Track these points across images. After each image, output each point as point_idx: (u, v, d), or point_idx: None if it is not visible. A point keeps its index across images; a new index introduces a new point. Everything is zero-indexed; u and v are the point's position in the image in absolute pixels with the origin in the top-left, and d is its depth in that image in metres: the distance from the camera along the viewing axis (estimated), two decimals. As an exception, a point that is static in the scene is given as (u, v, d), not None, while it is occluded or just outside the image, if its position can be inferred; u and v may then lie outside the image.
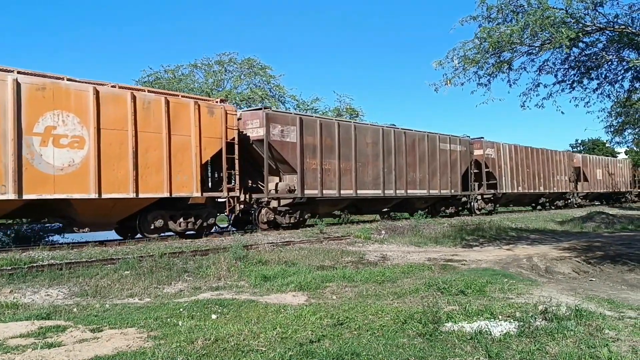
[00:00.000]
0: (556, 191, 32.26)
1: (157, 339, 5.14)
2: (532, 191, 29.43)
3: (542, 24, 9.60)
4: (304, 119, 16.74)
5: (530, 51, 11.09)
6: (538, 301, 6.37)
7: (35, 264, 9.08)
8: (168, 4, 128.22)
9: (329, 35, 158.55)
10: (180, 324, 5.70)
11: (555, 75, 12.05)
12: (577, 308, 5.69)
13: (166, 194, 12.72)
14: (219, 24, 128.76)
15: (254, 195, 15.81)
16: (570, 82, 12.07)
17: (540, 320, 5.35)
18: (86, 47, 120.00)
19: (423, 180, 21.14)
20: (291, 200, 16.17)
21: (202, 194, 13.60)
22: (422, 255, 12.28)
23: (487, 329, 5.05)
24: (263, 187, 15.76)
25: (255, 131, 15.61)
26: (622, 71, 12.06)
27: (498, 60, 10.98)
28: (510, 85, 11.59)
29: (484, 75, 11.13)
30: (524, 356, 4.36)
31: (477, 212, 25.32)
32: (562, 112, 11.70)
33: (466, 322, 5.39)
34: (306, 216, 17.08)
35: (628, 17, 10.68)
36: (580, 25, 10.27)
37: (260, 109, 15.91)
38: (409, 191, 20.35)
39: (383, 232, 16.25)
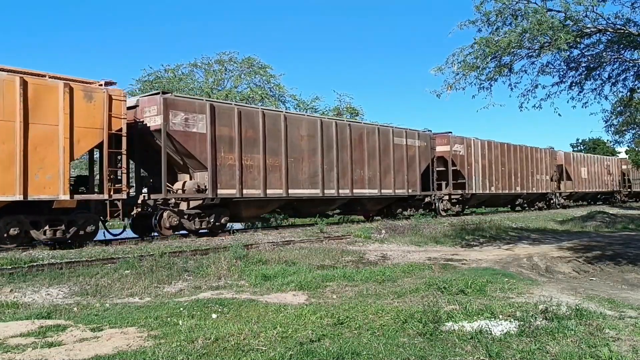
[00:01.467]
0: (535, 191, 29.92)
1: (157, 338, 5.13)
2: (507, 191, 27.13)
3: (541, 29, 9.61)
4: (216, 106, 14.50)
5: (530, 54, 11.09)
6: (538, 300, 6.37)
7: (35, 264, 9.08)
8: (168, 4, 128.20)
9: (329, 34, 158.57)
10: (181, 323, 5.70)
11: (555, 76, 12.06)
12: (577, 307, 5.69)
13: (19, 197, 10.44)
14: (219, 23, 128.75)
15: (152, 196, 13.37)
16: (569, 84, 12.08)
17: (541, 319, 5.35)
18: (87, 47, 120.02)
19: (373, 178, 18.88)
20: (201, 201, 14.01)
21: (71, 197, 11.29)
22: (422, 255, 12.27)
23: (488, 329, 5.05)
24: (168, 186, 13.74)
25: (153, 120, 13.35)
26: (623, 71, 12.05)
27: (498, 64, 10.99)
28: (511, 89, 11.63)
29: (485, 80, 11.14)
30: (525, 355, 4.35)
31: (443, 214, 22.99)
32: (559, 115, 11.70)
33: (466, 321, 5.39)
34: (223, 220, 14.79)
35: (629, 15, 10.67)
36: (580, 26, 10.26)
37: (157, 93, 13.70)
38: (355, 191, 18.11)
39: (383, 231, 16.25)
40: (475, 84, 11.17)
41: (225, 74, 31.11)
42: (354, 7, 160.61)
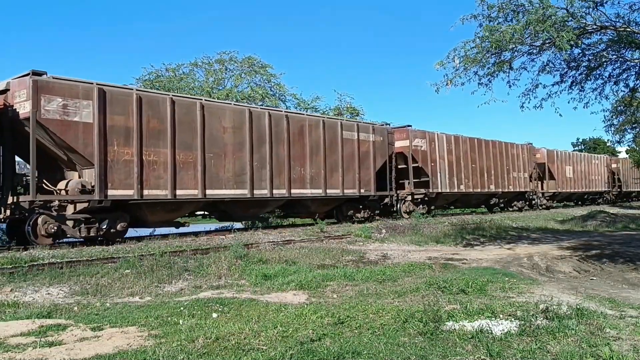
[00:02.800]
0: (512, 190, 27.57)
1: (157, 338, 5.13)
2: (479, 190, 24.86)
3: (544, 25, 9.59)
4: (108, 90, 11.95)
5: (530, 51, 11.08)
6: (539, 300, 6.37)
7: (35, 263, 9.08)
8: (169, 3, 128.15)
9: (329, 34, 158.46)
10: (181, 323, 5.70)
11: (556, 75, 12.06)
12: (578, 307, 5.69)
13: None
14: (220, 23, 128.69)
15: (22, 198, 11.30)
16: (569, 83, 12.08)
17: (542, 319, 5.34)
18: (87, 46, 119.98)
19: (317, 177, 16.73)
20: (87, 204, 11.64)
21: None
22: (422, 254, 12.27)
23: (488, 328, 5.04)
24: (47, 185, 11.76)
25: (22, 106, 11.14)
26: (624, 70, 12.05)
27: (499, 60, 10.98)
28: (510, 87, 11.62)
29: (485, 75, 11.13)
30: (525, 355, 4.35)
31: (406, 216, 20.75)
32: (560, 115, 11.71)
33: (467, 321, 5.38)
34: (119, 226, 12.25)
35: (628, 16, 10.67)
36: (582, 24, 10.26)
37: (28, 74, 11.15)
38: (294, 191, 15.97)
39: (384, 231, 16.25)
40: (474, 80, 11.17)
41: (226, 73, 31.15)
42: (354, 7, 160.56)
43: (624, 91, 12.65)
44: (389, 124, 21.44)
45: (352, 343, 4.74)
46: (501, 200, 27.66)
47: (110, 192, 11.87)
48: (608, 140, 54.79)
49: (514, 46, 10.46)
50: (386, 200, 19.87)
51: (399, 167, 21.25)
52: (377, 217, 19.50)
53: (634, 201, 43.40)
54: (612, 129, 28.17)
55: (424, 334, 5.03)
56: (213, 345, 4.76)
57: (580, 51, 11.61)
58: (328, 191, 17.17)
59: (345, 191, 17.80)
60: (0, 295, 7.39)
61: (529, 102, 12.01)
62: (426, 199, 21.95)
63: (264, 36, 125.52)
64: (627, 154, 46.30)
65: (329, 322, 5.53)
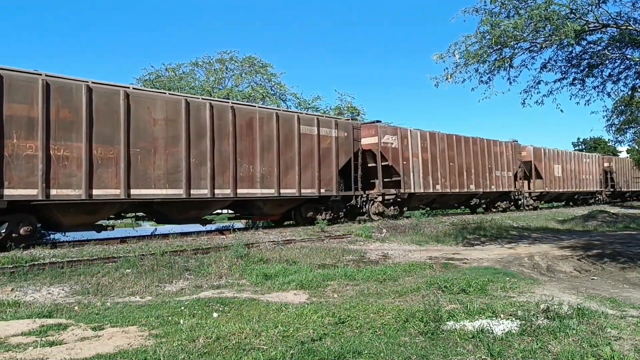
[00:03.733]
0: (495, 190, 25.88)
1: (158, 337, 5.13)
2: (458, 190, 23.30)
3: (548, 17, 9.57)
4: (5, 75, 10.52)
5: (531, 48, 11.08)
6: (540, 300, 6.36)
7: (36, 262, 9.09)
8: (170, 4, 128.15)
9: (329, 33, 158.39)
10: (182, 323, 5.70)
11: (558, 72, 12.06)
12: (579, 307, 5.68)
13: None
14: (220, 23, 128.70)
15: None
16: (571, 80, 12.08)
17: (542, 318, 5.34)
18: (88, 45, 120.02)
19: (269, 175, 15.31)
20: None
21: None
22: (423, 254, 12.27)
23: (489, 328, 5.04)
24: None
25: None
26: (625, 69, 12.05)
27: (499, 57, 10.97)
28: (510, 83, 11.62)
29: (485, 72, 11.13)
30: (526, 355, 4.35)
31: (375, 218, 19.20)
32: (561, 110, 11.71)
33: (468, 320, 5.38)
34: (22, 230, 10.86)
35: (630, 13, 10.68)
36: (584, 21, 10.26)
37: None
38: (241, 191, 14.56)
39: (384, 230, 16.24)
40: (475, 77, 11.17)
41: (226, 72, 31.16)
42: (354, 7, 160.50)
43: (623, 90, 12.66)
44: (356, 119, 19.75)
45: (352, 343, 4.74)
46: (483, 201, 26.07)
47: (7, 191, 10.46)
48: (609, 139, 54.76)
49: (514, 42, 10.45)
50: (353, 201, 18.40)
51: (369, 165, 19.90)
52: (341, 220, 18.15)
53: (629, 201, 41.78)
54: (613, 128, 28.19)
55: (424, 334, 5.03)
56: (214, 345, 4.76)
57: (581, 49, 11.62)
58: (282, 191, 15.65)
59: (303, 191, 16.26)
60: (1, 294, 7.40)
61: (530, 99, 12.03)
62: (398, 199, 20.24)
63: (265, 36, 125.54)
64: (627, 153, 46.21)
65: (330, 321, 5.53)
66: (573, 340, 4.66)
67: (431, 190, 21.82)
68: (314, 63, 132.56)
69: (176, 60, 54.47)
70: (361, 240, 14.56)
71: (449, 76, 10.84)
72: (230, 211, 17.42)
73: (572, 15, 9.95)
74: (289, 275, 8.76)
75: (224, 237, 13.91)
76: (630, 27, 10.62)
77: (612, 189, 39.05)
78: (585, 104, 12.52)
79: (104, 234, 13.01)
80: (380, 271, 9.23)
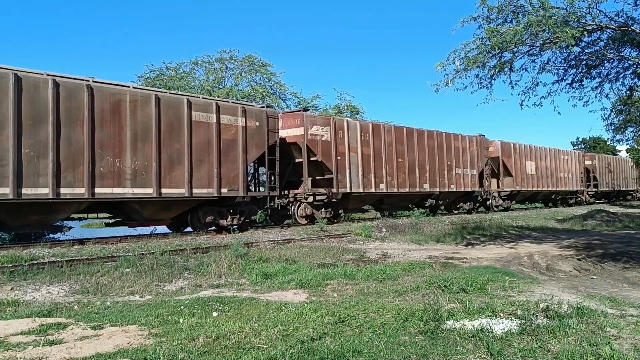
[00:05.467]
0: (455, 190, 23.46)
1: (158, 337, 5.13)
2: (408, 190, 20.66)
3: (546, 24, 9.60)
4: None
5: (531, 52, 11.10)
6: (539, 299, 6.36)
7: (36, 262, 9.09)
8: (170, 4, 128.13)
9: (329, 33, 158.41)
10: (182, 322, 5.70)
11: (556, 74, 12.07)
12: (578, 306, 5.68)
13: None
14: (220, 23, 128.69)
15: None
16: (569, 82, 12.10)
17: (542, 318, 5.34)
18: (89, 45, 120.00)
19: (145, 171, 12.55)
20: None
21: None
22: (423, 253, 12.27)
23: (489, 327, 5.04)
24: None
25: None
26: (623, 69, 12.06)
27: (499, 62, 11.00)
28: (512, 87, 11.67)
29: (485, 77, 11.16)
30: (526, 354, 4.34)
31: (303, 222, 17.03)
32: (558, 113, 11.75)
33: (467, 320, 5.38)
34: None
35: (631, 12, 10.69)
36: (582, 24, 10.27)
37: None
38: (101, 190, 11.74)
39: (384, 229, 16.25)
40: (475, 82, 11.20)
41: (226, 72, 31.14)
42: (354, 7, 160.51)
43: (621, 90, 12.68)
44: (272, 107, 17.54)
45: (352, 342, 4.74)
46: (441, 202, 23.55)
47: None
48: (608, 139, 54.75)
49: (514, 47, 10.48)
50: (275, 202, 16.24)
51: (297, 161, 17.44)
52: (251, 227, 15.58)
53: (614, 202, 39.61)
54: (612, 127, 28.18)
55: (424, 333, 5.03)
56: (213, 344, 4.75)
57: (580, 50, 11.63)
58: (164, 191, 12.88)
59: (196, 191, 13.56)
60: (0, 293, 7.39)
61: (528, 100, 12.05)
62: (333, 200, 17.70)
63: (264, 35, 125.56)
64: (627, 152, 46.16)
65: (330, 321, 5.53)
66: (573, 339, 4.66)
67: (373, 190, 19.13)
68: (313, 62, 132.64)
69: (176, 58, 54.50)
70: (361, 240, 14.56)
71: (449, 82, 10.87)
72: (108, 215, 14.26)
73: (570, 18, 9.96)
74: (288, 275, 8.77)
75: (224, 236, 13.91)
76: (630, 28, 10.63)
77: (595, 189, 36.91)
78: (583, 105, 12.56)
79: (103, 233, 13.03)
80: (379, 270, 9.24)
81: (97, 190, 11.76)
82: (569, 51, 11.08)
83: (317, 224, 15.82)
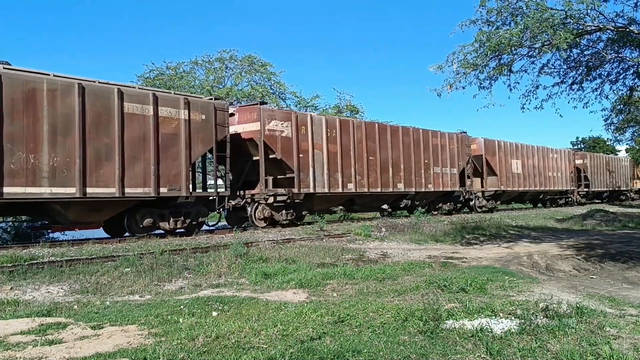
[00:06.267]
0: (433, 190, 22.16)
1: (157, 336, 5.13)
2: (380, 190, 19.32)
3: (541, 27, 9.62)
4: None
5: (530, 53, 11.11)
6: (539, 299, 6.36)
7: (35, 261, 9.09)
8: (170, 3, 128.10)
9: (328, 32, 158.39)
10: (181, 321, 5.70)
11: (556, 75, 12.08)
12: (578, 305, 5.68)
13: None
14: (220, 22, 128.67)
15: None
16: (569, 84, 12.11)
17: (541, 317, 5.34)
18: (89, 44, 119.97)
19: (66, 168, 11.32)
20: None
21: None
22: (422, 253, 12.28)
23: (488, 327, 5.04)
24: None
25: None
26: (623, 70, 12.07)
27: (498, 64, 11.01)
28: (510, 90, 11.69)
29: (485, 79, 11.17)
30: (525, 354, 4.35)
31: (262, 225, 15.82)
32: (560, 115, 11.75)
33: (467, 319, 5.38)
34: None
35: (631, 13, 10.70)
36: (581, 24, 10.28)
37: None
38: (11, 190, 10.58)
39: (383, 229, 16.25)
40: (475, 84, 11.21)
41: (226, 71, 31.16)
42: (354, 7, 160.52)
43: (622, 90, 12.69)
44: (223, 99, 15.85)
45: (352, 342, 4.74)
46: (418, 203, 21.96)
47: None
48: (607, 138, 54.78)
49: (513, 49, 10.48)
50: (231, 203, 15.21)
51: (254, 159, 16.15)
52: (198, 230, 14.20)
53: (606, 202, 38.01)
54: (612, 127, 28.18)
55: (424, 333, 5.03)
56: (213, 344, 4.75)
57: (579, 51, 11.65)
58: (90, 190, 11.63)
59: (129, 191, 12.27)
60: (0, 293, 7.39)
61: (529, 103, 12.06)
62: (296, 201, 16.48)
63: (264, 35, 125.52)
64: (626, 152, 46.06)
65: (329, 320, 5.53)
66: (572, 339, 4.66)
67: (340, 190, 17.76)
68: (313, 62, 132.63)
69: (176, 58, 54.44)
70: (360, 239, 14.56)
71: (450, 86, 10.89)
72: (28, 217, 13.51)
73: (569, 20, 9.97)
74: (288, 274, 8.77)
75: (223, 235, 13.91)
76: (629, 29, 10.63)
77: (586, 189, 35.48)
78: (583, 107, 12.58)
79: (103, 233, 12.97)
80: (379, 270, 9.24)
81: (7, 189, 10.52)
82: (568, 53, 11.10)
83: (317, 224, 15.79)
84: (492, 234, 16.59)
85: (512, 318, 5.40)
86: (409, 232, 16.07)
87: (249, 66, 30.61)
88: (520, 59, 11.26)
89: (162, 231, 13.54)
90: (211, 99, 14.70)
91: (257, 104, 16.54)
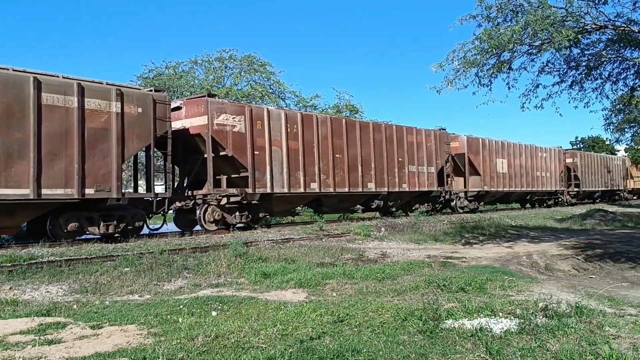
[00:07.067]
0: (407, 190, 20.78)
1: (157, 336, 5.13)
2: (347, 190, 17.99)
3: (542, 24, 9.61)
4: None
5: (530, 51, 11.10)
6: (538, 298, 6.36)
7: (34, 261, 9.08)
8: (170, 3, 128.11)
9: (328, 32, 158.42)
10: (181, 321, 5.70)
11: (556, 75, 12.08)
12: (577, 305, 5.68)
13: None
14: (220, 22, 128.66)
15: None
16: (569, 83, 12.11)
17: (541, 317, 5.34)
18: (89, 44, 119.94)
19: None
20: None
21: None
22: (421, 253, 12.28)
23: (488, 326, 5.04)
24: None
25: None
26: (624, 69, 12.07)
27: (498, 61, 11.00)
28: (508, 89, 11.66)
29: (485, 76, 11.15)
30: (525, 353, 4.35)
31: (212, 228, 14.55)
32: (560, 115, 11.75)
33: (466, 319, 5.38)
34: None
35: (630, 14, 10.70)
36: (581, 23, 10.27)
37: None
38: None
39: (383, 229, 16.25)
40: (475, 82, 11.19)
41: (226, 71, 31.14)
42: (354, 6, 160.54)
43: (623, 90, 12.68)
44: (163, 91, 13.92)
45: (351, 341, 4.74)
46: (391, 203, 20.84)
47: None
48: (607, 138, 54.82)
49: (513, 47, 10.47)
50: (178, 204, 13.94)
51: (206, 156, 14.72)
52: (136, 235, 12.78)
53: (599, 203, 36.61)
54: (612, 127, 28.15)
55: (423, 332, 5.03)
56: (212, 344, 4.75)
57: (579, 51, 11.64)
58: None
59: (46, 192, 10.95)
60: (-1, 293, 7.39)
61: (529, 103, 12.06)
62: (253, 202, 15.27)
63: (264, 34, 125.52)
64: (626, 152, 45.98)
65: (329, 320, 5.53)
66: (572, 338, 4.67)
67: (302, 190, 16.52)
68: (313, 62, 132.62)
69: (176, 57, 54.45)
70: (360, 239, 14.56)
71: (449, 83, 10.86)
72: None
73: (569, 18, 9.96)
74: (287, 274, 8.76)
75: (223, 235, 13.90)
76: (628, 28, 10.63)
77: (576, 189, 34.14)
78: (584, 107, 12.57)
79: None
80: (379, 270, 9.24)
81: None
82: (568, 52, 11.10)
83: (317, 224, 15.78)
84: (491, 234, 16.59)
85: (512, 318, 5.40)
86: (408, 231, 16.07)
87: (249, 66, 30.60)
88: (520, 56, 11.26)
89: (97, 236, 12.19)
90: (151, 90, 13.28)
91: (204, 96, 15.19)
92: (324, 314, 5.75)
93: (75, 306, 6.75)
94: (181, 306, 6.49)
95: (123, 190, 12.39)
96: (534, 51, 11.05)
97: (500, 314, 5.61)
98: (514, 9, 10.41)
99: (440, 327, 5.13)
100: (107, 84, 12.22)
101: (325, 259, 10.87)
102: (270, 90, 30.83)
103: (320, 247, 12.13)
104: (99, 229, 12.10)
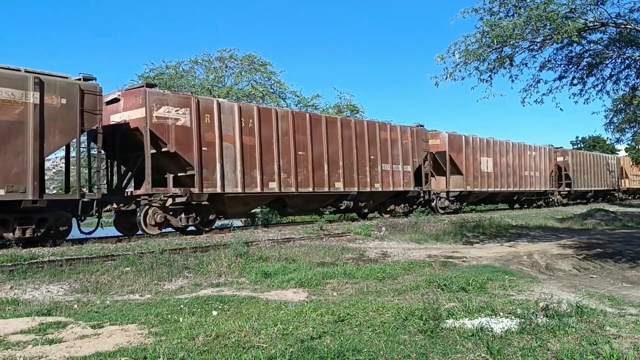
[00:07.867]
0: (380, 189, 19.56)
1: (158, 335, 5.13)
2: (311, 190, 16.79)
3: (547, 17, 9.58)
4: None
5: (531, 47, 11.08)
6: (539, 298, 6.36)
7: (35, 260, 9.09)
8: (170, 3, 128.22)
9: (329, 32, 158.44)
10: (181, 320, 5.70)
11: (558, 71, 12.06)
12: (578, 305, 5.68)
13: None
14: (220, 22, 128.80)
15: None
16: (570, 79, 12.10)
17: (542, 317, 5.34)
18: (89, 44, 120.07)
19: None
20: None
21: None
22: (422, 252, 12.28)
23: (488, 326, 5.04)
24: None
25: None
26: (625, 68, 12.06)
27: (499, 56, 10.97)
28: (512, 81, 11.65)
29: (485, 70, 11.13)
30: (526, 353, 4.35)
31: (153, 233, 13.07)
32: (560, 109, 11.72)
33: (467, 318, 5.38)
34: None
35: (627, 17, 10.70)
36: (584, 20, 10.27)
37: None
38: None
39: (383, 229, 16.25)
40: (474, 75, 11.15)
41: (226, 71, 31.12)
42: (355, 6, 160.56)
43: (624, 90, 12.67)
44: (94, 80, 11.99)
45: (352, 341, 4.74)
46: (363, 204, 19.53)
47: None
48: (607, 138, 54.77)
49: (514, 42, 10.44)
50: (114, 206, 12.77)
51: (152, 152, 13.22)
52: (61, 240, 11.57)
53: (592, 203, 35.68)
54: (612, 127, 28.15)
55: (424, 332, 5.03)
56: (213, 343, 4.75)
57: (581, 48, 11.63)
58: None
59: None
60: (0, 292, 7.39)
61: (529, 97, 12.03)
62: (203, 203, 14.04)
63: (264, 34, 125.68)
64: (626, 152, 45.90)
65: (329, 319, 5.53)
66: (572, 338, 4.66)
67: (259, 190, 15.25)
68: (313, 62, 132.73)
69: (176, 57, 54.49)
70: (360, 239, 14.56)
71: (449, 75, 10.83)
72: None
73: (572, 14, 9.95)
74: (288, 274, 8.76)
75: (223, 235, 13.89)
76: (630, 27, 10.63)
77: (568, 189, 32.94)
78: (584, 103, 12.56)
79: (103, 232, 12.91)
80: (379, 269, 9.24)
81: None
82: (570, 49, 11.08)
83: (317, 224, 15.79)
84: (492, 233, 16.59)
85: (512, 317, 5.40)
86: (408, 231, 16.07)
87: (249, 65, 30.58)
88: (522, 52, 11.24)
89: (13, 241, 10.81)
90: (79, 79, 11.77)
91: (142, 86, 13.84)
92: (324, 313, 5.75)
93: (76, 306, 6.75)
94: (182, 306, 6.49)
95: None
96: (535, 47, 11.03)
97: (501, 313, 5.60)
98: (517, 4, 10.39)
99: (441, 327, 5.13)
100: (25, 70, 10.85)
101: (326, 258, 10.87)
102: (271, 90, 30.83)
103: (321, 246, 12.13)
104: (13, 233, 10.83)
